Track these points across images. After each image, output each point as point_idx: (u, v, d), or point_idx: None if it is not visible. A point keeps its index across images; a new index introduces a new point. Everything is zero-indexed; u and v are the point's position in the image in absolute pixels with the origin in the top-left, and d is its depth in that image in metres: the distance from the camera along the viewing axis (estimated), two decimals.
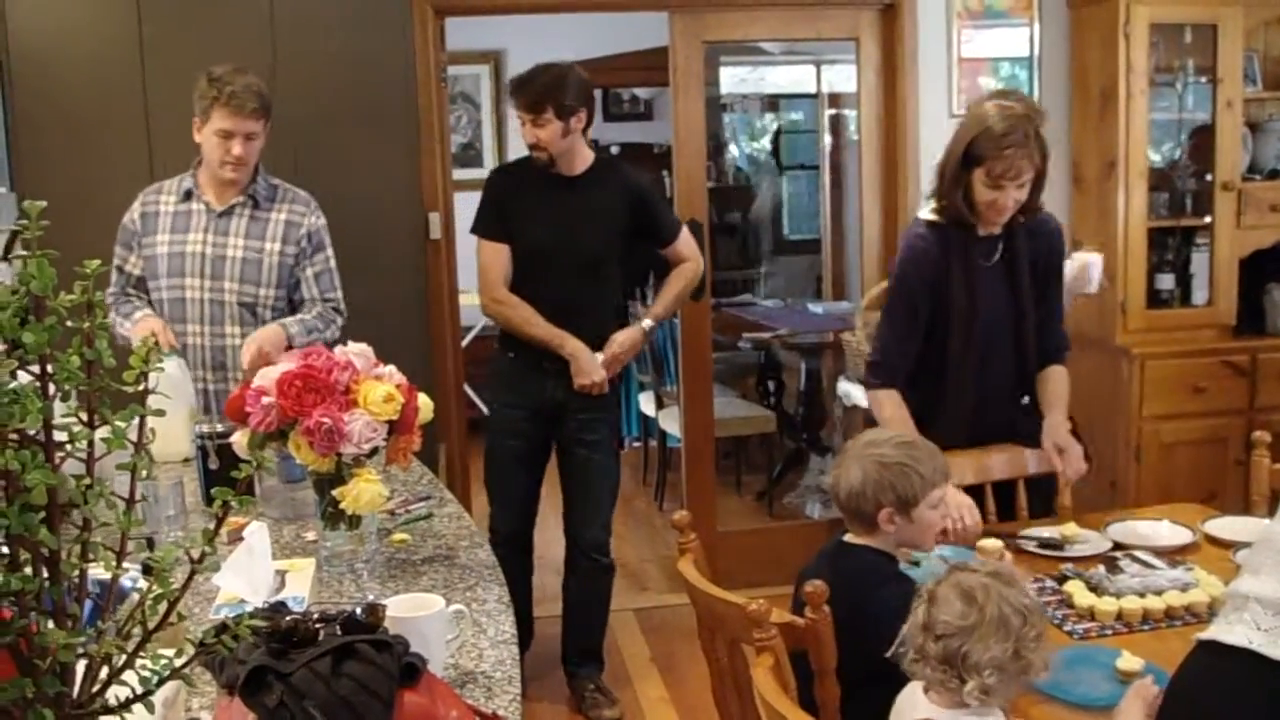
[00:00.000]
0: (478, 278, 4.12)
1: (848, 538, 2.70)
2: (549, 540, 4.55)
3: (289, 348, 3.60)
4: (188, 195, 3.80)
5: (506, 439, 4.17)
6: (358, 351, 2.54)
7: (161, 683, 1.09)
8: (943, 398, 3.37)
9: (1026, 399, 3.53)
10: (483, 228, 4.09)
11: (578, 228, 4.01)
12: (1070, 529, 3.12)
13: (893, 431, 2.75)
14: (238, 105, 3.62)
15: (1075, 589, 2.73)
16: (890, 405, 3.32)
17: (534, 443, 4.19)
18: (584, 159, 4.07)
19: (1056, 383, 3.46)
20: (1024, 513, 3.43)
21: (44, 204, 1.01)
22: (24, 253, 0.98)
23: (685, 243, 4.29)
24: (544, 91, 3.88)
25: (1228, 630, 1.62)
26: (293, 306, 3.86)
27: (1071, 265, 4.16)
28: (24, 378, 1.06)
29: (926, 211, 3.39)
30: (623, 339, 4.10)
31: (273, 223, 3.81)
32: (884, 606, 2.36)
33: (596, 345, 4.07)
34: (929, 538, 2.69)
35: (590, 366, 4.02)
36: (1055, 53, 5.43)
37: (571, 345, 4.02)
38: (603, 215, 4.05)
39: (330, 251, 3.90)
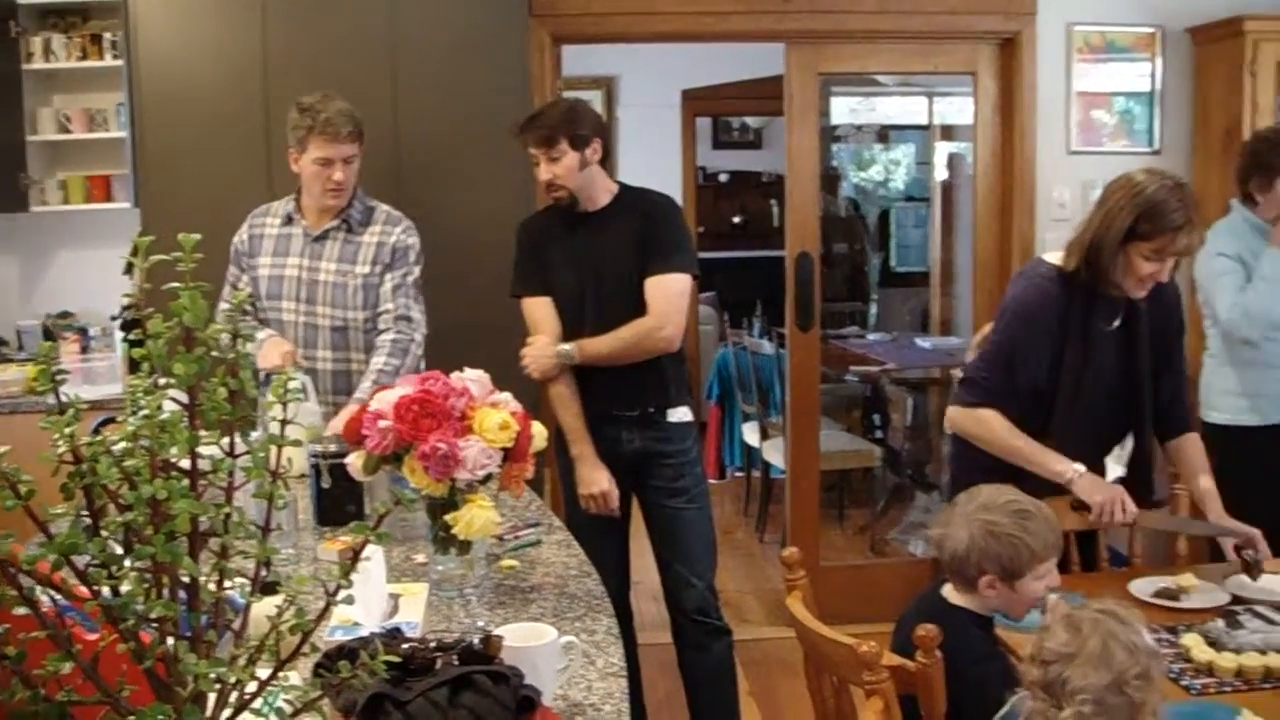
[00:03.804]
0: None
1: (947, 593, 2.66)
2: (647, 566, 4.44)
3: None
4: (289, 219, 3.87)
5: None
6: (474, 378, 2.55)
7: (295, 715, 1.10)
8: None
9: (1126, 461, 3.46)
10: (522, 285, 3.78)
11: (606, 264, 3.68)
12: (1187, 579, 3.04)
13: (1010, 495, 2.68)
14: (333, 132, 3.67)
15: (1193, 642, 2.66)
16: (998, 421, 3.22)
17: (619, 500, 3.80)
18: (607, 191, 3.74)
19: (1203, 467, 3.35)
20: (1104, 563, 3.40)
21: (198, 237, 1.02)
22: (175, 284, 0.99)
23: (664, 291, 3.65)
24: (556, 124, 3.61)
25: None
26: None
27: None
28: (169, 406, 1.08)
29: (1054, 257, 3.29)
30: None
31: (364, 246, 3.84)
32: (983, 680, 2.35)
33: (659, 401, 3.72)
34: (1024, 609, 2.63)
35: (590, 477, 3.69)
36: (1177, 89, 5.35)
37: (579, 449, 3.72)
38: (627, 245, 3.67)
39: (414, 269, 3.87)
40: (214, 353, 1.08)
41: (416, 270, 3.89)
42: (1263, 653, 2.59)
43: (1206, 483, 3.32)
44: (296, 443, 1.15)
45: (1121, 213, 3.07)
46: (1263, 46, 4.89)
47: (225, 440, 1.13)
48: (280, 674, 1.12)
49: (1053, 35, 5.27)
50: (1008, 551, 2.52)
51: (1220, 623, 2.72)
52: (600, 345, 3.64)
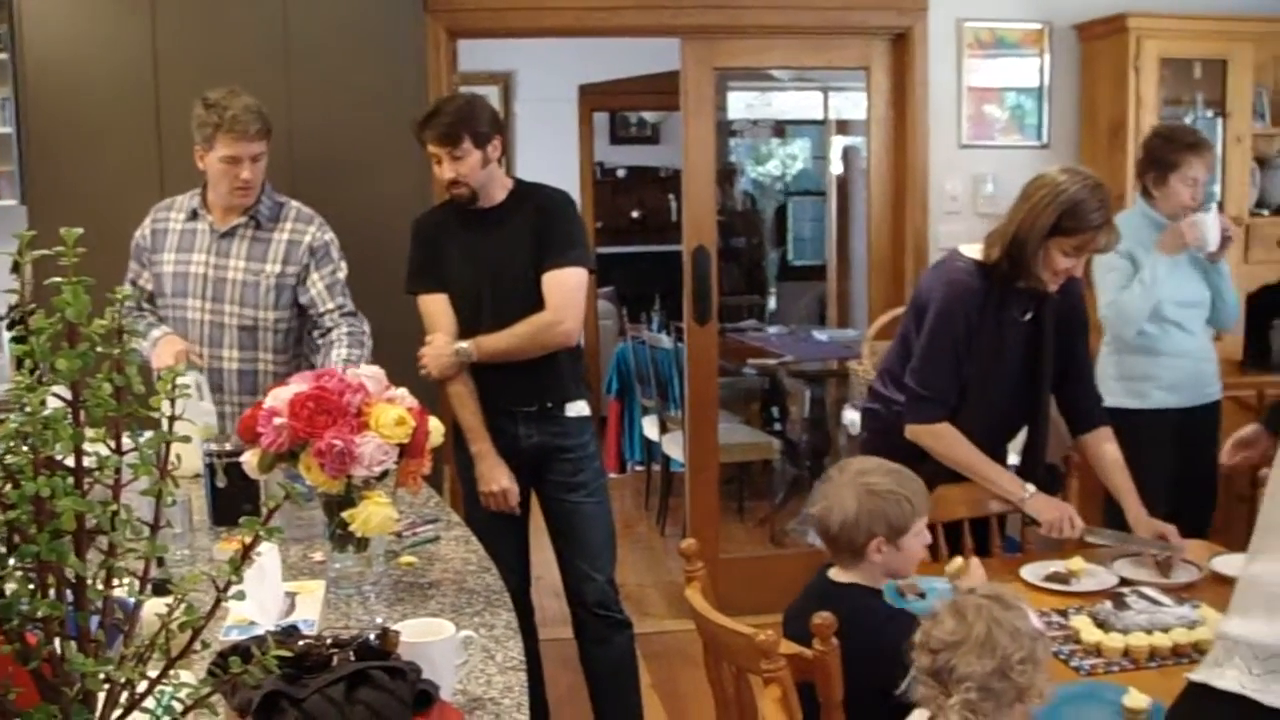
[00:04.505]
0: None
1: (834, 575, 2.70)
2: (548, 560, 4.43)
3: None
4: (194, 214, 3.78)
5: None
6: (370, 374, 2.54)
7: (186, 712, 1.09)
8: None
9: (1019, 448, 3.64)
10: (417, 282, 3.75)
11: (503, 261, 3.66)
12: (1077, 563, 3.12)
13: (876, 461, 2.76)
14: (241, 129, 3.58)
15: (1082, 624, 2.73)
16: (954, 439, 3.33)
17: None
18: (503, 187, 3.71)
19: (1117, 462, 3.46)
20: (998, 549, 3.51)
21: (80, 231, 1.01)
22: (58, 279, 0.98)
23: (560, 286, 3.63)
24: (457, 121, 3.55)
25: (1219, 675, 1.61)
26: (303, 325, 3.82)
27: (1176, 233, 4.19)
28: (53, 403, 1.06)
29: (970, 250, 3.39)
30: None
31: (274, 243, 3.76)
32: (893, 644, 2.37)
33: (556, 396, 3.72)
34: (912, 566, 2.72)
35: (490, 475, 3.70)
36: (1065, 84, 5.45)
37: (478, 446, 3.71)
38: (521, 241, 3.65)
39: (341, 265, 3.82)
40: (98, 348, 1.06)
41: (344, 266, 3.83)
42: (1149, 632, 2.66)
43: (1120, 479, 3.42)
44: (185, 439, 1.14)
45: (1046, 209, 3.18)
46: (1146, 43, 5.01)
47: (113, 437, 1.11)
48: (171, 672, 1.11)
49: (943, 31, 5.34)
50: (893, 509, 2.61)
51: (1108, 605, 2.79)
52: (498, 342, 3.62)
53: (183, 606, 1.10)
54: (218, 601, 1.13)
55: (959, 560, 2.98)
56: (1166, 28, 5.07)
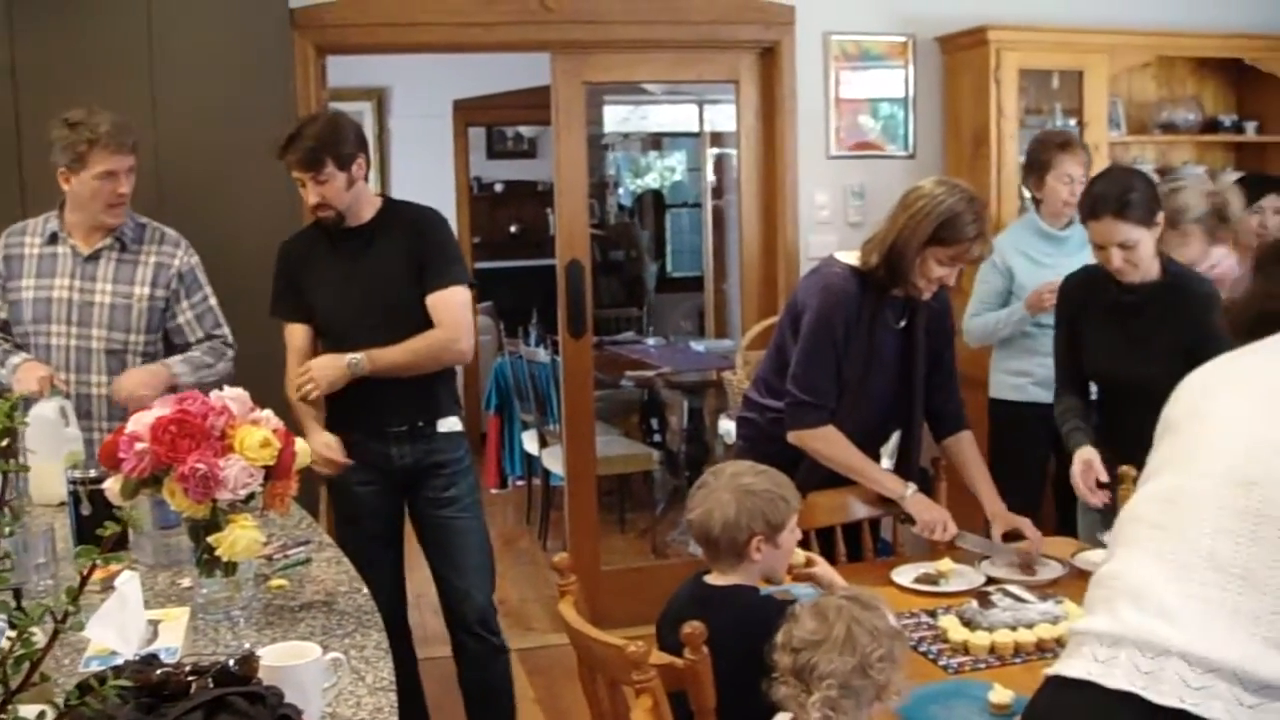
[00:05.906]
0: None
1: (712, 580, 2.71)
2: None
3: (174, 389, 3.47)
4: (53, 238, 3.70)
5: (360, 520, 3.74)
6: (234, 396, 2.50)
7: None
8: None
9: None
10: (281, 309, 3.74)
11: (371, 280, 3.63)
12: (946, 565, 3.19)
13: (744, 464, 2.78)
14: (118, 143, 3.54)
15: (949, 624, 2.78)
16: (838, 441, 3.39)
17: (389, 517, 3.78)
18: (371, 205, 3.68)
19: (977, 462, 3.58)
20: (869, 552, 3.60)
21: None
22: None
23: (448, 305, 3.63)
24: (319, 144, 3.51)
25: (1069, 665, 1.70)
26: (171, 351, 3.77)
27: (1040, 297, 4.30)
28: None
29: (847, 256, 3.45)
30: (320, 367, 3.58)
31: (142, 265, 3.71)
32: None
33: (428, 413, 3.70)
34: (786, 564, 2.75)
35: (320, 444, 3.50)
36: (929, 95, 5.55)
37: (305, 424, 3.57)
38: (393, 260, 3.63)
39: (209, 289, 3.81)
40: None
41: (211, 291, 3.82)
42: (1013, 629, 2.73)
43: (979, 476, 3.53)
44: (24, 468, 1.12)
45: (926, 219, 3.26)
46: (1005, 55, 5.13)
47: None
48: (10, 706, 1.09)
49: (810, 44, 5.40)
50: (769, 507, 2.62)
51: (974, 604, 2.85)
52: (393, 355, 3.57)
53: (21, 639, 1.08)
54: (56, 633, 1.11)
55: (801, 554, 3.02)
56: (1025, 40, 5.20)
